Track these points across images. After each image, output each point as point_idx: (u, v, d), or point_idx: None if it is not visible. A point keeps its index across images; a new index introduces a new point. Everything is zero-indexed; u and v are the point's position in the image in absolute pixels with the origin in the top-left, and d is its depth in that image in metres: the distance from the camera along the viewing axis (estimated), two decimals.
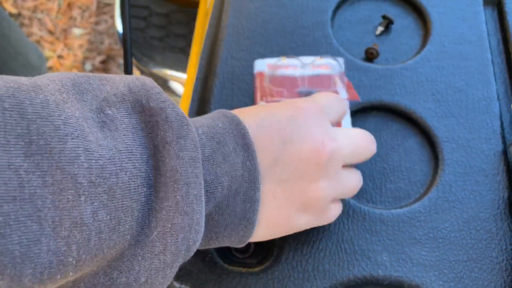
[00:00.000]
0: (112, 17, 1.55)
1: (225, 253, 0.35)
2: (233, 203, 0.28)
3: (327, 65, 0.40)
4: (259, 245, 0.35)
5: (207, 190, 0.27)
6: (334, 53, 0.43)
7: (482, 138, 0.39)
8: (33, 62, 0.79)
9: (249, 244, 0.35)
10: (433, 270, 0.33)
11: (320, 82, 0.39)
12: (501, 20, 0.46)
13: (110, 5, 1.59)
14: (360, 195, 0.37)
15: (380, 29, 0.45)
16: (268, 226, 0.30)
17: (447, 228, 0.35)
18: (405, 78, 0.42)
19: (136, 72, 1.05)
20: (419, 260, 0.34)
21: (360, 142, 0.34)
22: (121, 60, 1.50)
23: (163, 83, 1.05)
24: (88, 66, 1.50)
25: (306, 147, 0.30)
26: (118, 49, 1.51)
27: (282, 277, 0.33)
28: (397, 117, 0.41)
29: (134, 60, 1.08)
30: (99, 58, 1.51)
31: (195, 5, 0.78)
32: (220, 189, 0.28)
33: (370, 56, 0.43)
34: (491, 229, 0.35)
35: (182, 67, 1.01)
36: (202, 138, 0.28)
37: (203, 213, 0.26)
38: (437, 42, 0.44)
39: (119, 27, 1.08)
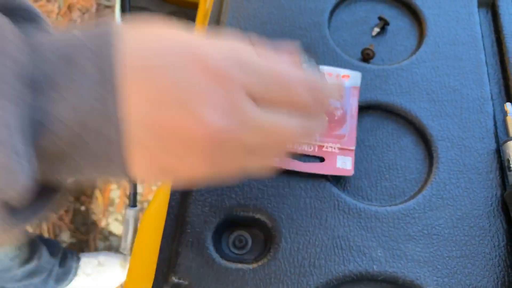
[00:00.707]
0: (112, 19, 1.56)
1: (223, 249, 0.35)
2: (85, 140, 0.23)
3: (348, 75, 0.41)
4: (257, 242, 0.36)
5: (34, 128, 0.22)
6: (330, 54, 0.43)
7: (476, 137, 0.39)
8: None
9: (246, 241, 0.35)
10: (427, 266, 0.34)
11: None
12: (495, 21, 0.46)
13: (110, 7, 1.59)
14: (356, 192, 0.38)
15: (376, 30, 0.45)
16: (145, 173, 0.26)
17: (441, 225, 0.36)
18: (401, 78, 0.42)
19: None
20: (413, 256, 0.34)
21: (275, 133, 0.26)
22: None
23: None
24: None
25: (180, 122, 0.24)
26: None
27: (279, 273, 0.34)
28: (392, 116, 0.41)
29: None
30: None
31: (195, 6, 0.79)
32: (58, 124, 0.22)
33: (366, 56, 0.44)
34: (484, 226, 0.36)
35: None
36: (43, 57, 0.22)
37: (9, 161, 0.20)
38: (432, 43, 0.44)
39: None
